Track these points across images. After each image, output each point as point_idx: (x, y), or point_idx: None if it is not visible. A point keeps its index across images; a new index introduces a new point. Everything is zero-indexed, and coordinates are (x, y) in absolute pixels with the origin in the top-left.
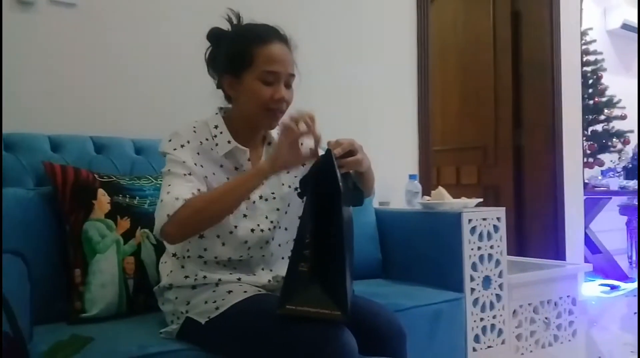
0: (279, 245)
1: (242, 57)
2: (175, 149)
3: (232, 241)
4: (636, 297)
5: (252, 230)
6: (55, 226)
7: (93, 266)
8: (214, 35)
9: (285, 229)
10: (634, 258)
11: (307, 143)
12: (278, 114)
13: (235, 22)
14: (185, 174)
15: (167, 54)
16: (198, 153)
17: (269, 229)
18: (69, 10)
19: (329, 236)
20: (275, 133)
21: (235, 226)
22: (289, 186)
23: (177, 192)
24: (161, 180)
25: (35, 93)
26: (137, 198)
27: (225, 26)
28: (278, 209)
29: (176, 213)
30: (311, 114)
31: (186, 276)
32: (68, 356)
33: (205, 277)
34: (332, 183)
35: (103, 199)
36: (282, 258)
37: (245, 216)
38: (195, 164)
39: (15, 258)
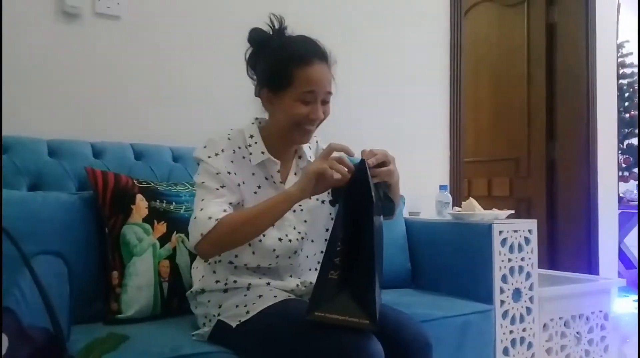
0: (307, 257)
1: (282, 77)
2: (209, 157)
3: (261, 249)
4: None
5: (280, 240)
6: (95, 229)
7: (130, 269)
8: (255, 40)
9: (312, 241)
10: None
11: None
12: (310, 131)
13: (277, 27)
14: (218, 189)
15: (206, 63)
16: (232, 161)
17: (297, 240)
18: (112, 21)
19: (359, 245)
20: (307, 147)
21: (264, 235)
22: (317, 199)
23: (210, 210)
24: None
25: (79, 102)
26: (174, 203)
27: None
28: (305, 221)
29: (209, 232)
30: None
31: (217, 281)
32: (104, 352)
33: (235, 281)
34: (365, 193)
35: (141, 204)
36: (310, 269)
37: (273, 226)
38: (229, 172)
39: (57, 260)
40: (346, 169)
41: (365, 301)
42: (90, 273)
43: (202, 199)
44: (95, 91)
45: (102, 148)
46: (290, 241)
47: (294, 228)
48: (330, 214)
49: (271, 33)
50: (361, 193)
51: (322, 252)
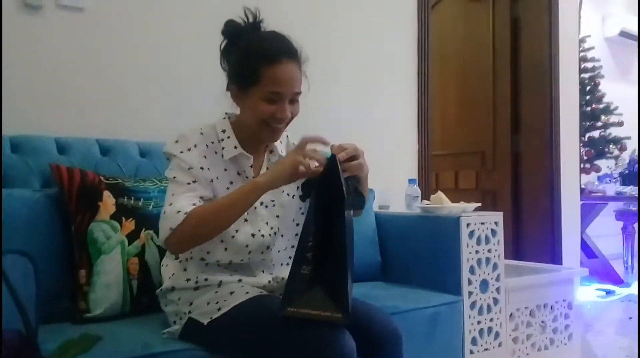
0: (278, 252)
1: (249, 74)
2: (182, 152)
3: (233, 245)
4: (631, 302)
5: (253, 235)
6: (61, 227)
7: (98, 267)
8: (229, 32)
9: (282, 236)
10: (630, 263)
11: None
12: (277, 130)
13: (252, 20)
14: (189, 183)
15: (174, 57)
16: (205, 156)
17: (269, 235)
18: (76, 13)
19: (330, 240)
20: (279, 144)
21: (237, 231)
22: (287, 194)
23: (179, 204)
24: (166, 183)
25: (42, 96)
26: (142, 200)
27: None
28: (278, 216)
29: (178, 226)
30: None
31: (188, 279)
32: (78, 354)
33: (206, 279)
34: (336, 187)
35: (108, 201)
36: (282, 264)
37: (246, 220)
38: (202, 168)
39: (22, 258)
40: (321, 159)
41: (337, 296)
42: (57, 271)
43: (173, 194)
44: (59, 85)
45: (66, 143)
46: (262, 236)
47: (267, 223)
48: (300, 209)
49: (244, 25)
50: (332, 187)
51: (292, 247)
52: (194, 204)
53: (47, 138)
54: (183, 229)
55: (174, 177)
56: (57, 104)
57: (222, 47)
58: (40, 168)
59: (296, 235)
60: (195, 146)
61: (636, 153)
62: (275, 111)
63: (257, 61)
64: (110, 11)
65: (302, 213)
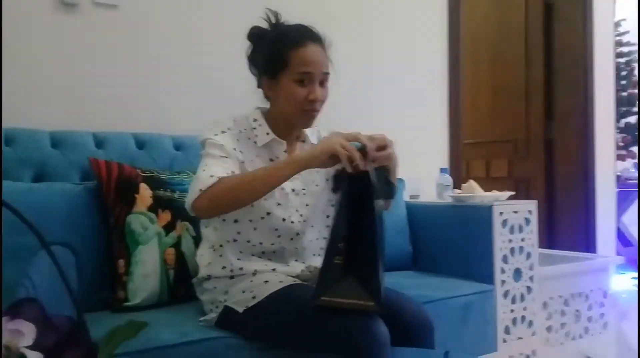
0: (310, 241)
1: (278, 60)
2: (216, 135)
3: (263, 227)
4: None
5: (284, 219)
6: (100, 219)
7: (136, 257)
8: (254, 35)
9: (312, 226)
10: None
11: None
12: (313, 114)
13: (273, 21)
14: (222, 156)
15: (207, 53)
16: (238, 140)
17: (299, 222)
18: (111, 11)
19: (362, 230)
20: (309, 131)
21: (268, 213)
22: (317, 185)
23: (212, 170)
24: None
25: (79, 92)
26: (178, 191)
27: (265, 26)
28: (307, 205)
29: (209, 188)
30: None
31: (223, 267)
32: (125, 339)
33: (241, 268)
34: (367, 179)
35: (145, 193)
36: (314, 254)
37: (279, 204)
38: (234, 149)
39: (65, 250)
40: (358, 159)
41: (370, 285)
42: (96, 262)
43: (206, 164)
44: (96, 81)
45: (104, 137)
46: (292, 222)
47: (297, 211)
48: (330, 201)
49: (268, 28)
50: (362, 178)
51: (324, 238)
52: (227, 174)
53: (85, 133)
54: (213, 191)
55: (207, 152)
56: (94, 99)
57: (248, 52)
58: (79, 162)
59: (326, 226)
60: (229, 129)
61: None
62: (308, 93)
63: (284, 47)
64: (145, 8)
65: (332, 205)
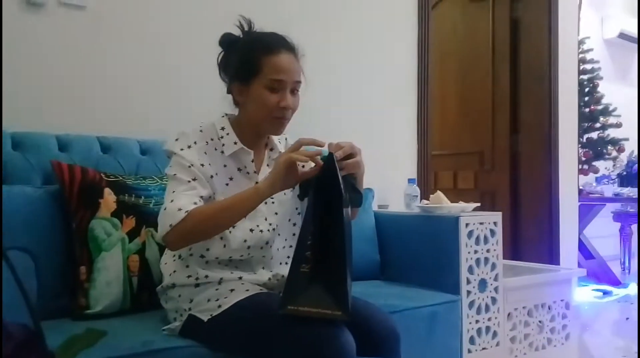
0: (277, 250)
1: (251, 65)
2: (182, 150)
3: (231, 240)
4: (628, 303)
5: (251, 230)
6: (62, 224)
7: (98, 264)
8: (226, 42)
9: (279, 234)
10: (627, 264)
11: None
12: (283, 121)
13: (246, 28)
14: (189, 181)
15: (175, 56)
16: (205, 153)
17: (268, 231)
18: (78, 12)
19: (329, 238)
20: (276, 139)
21: (234, 226)
22: (284, 193)
23: (180, 202)
24: (166, 181)
25: (43, 93)
26: (143, 197)
27: (237, 32)
28: (276, 214)
29: (178, 224)
30: (321, 147)
31: (189, 276)
32: (83, 348)
33: (207, 276)
34: (334, 186)
35: (109, 199)
36: (280, 263)
37: (244, 218)
38: (202, 164)
39: (24, 255)
40: (315, 156)
41: (337, 293)
42: (57, 268)
43: (173, 191)
44: (60, 82)
45: (67, 140)
46: (261, 231)
47: (265, 219)
48: (297, 209)
49: (241, 35)
50: (330, 186)
51: (290, 246)
52: (195, 204)
53: (48, 135)
54: (183, 227)
55: (175, 174)
56: (58, 101)
57: (219, 58)
58: (42, 165)
59: (293, 234)
60: (195, 143)
61: (634, 154)
62: (279, 100)
63: (257, 52)
64: (112, 9)
65: (299, 213)
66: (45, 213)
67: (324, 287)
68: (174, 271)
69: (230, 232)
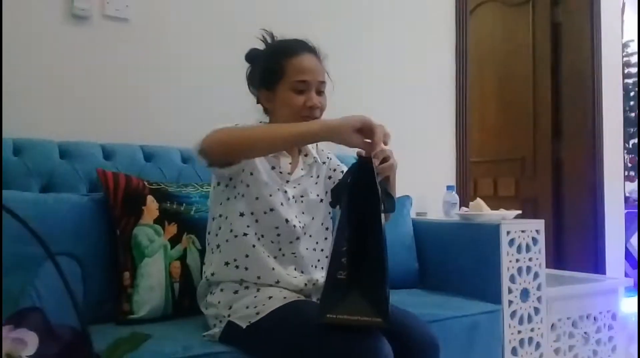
0: (307, 249)
1: (274, 70)
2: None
3: (265, 221)
4: None
5: (287, 220)
6: (107, 230)
7: (141, 270)
8: (250, 56)
9: (310, 236)
10: None
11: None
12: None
13: (269, 41)
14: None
15: (215, 65)
16: None
17: (299, 227)
18: (121, 24)
19: (365, 244)
20: (313, 146)
21: (272, 209)
22: (317, 195)
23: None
24: (207, 188)
25: (88, 103)
26: (184, 204)
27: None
28: (303, 213)
29: (219, 130)
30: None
31: (226, 263)
32: (128, 351)
33: (247, 268)
34: (371, 191)
35: (152, 206)
36: (312, 266)
37: (282, 204)
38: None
39: (70, 260)
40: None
41: (375, 299)
42: (102, 274)
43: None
44: (105, 93)
45: (112, 149)
46: (294, 226)
47: (296, 216)
48: (329, 213)
49: (265, 47)
50: (367, 190)
51: (322, 250)
52: None
53: (93, 144)
54: (224, 132)
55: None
56: (103, 111)
57: (247, 73)
58: (87, 173)
59: (325, 238)
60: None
61: None
62: (306, 100)
63: (279, 57)
64: (155, 22)
65: (331, 218)
66: (91, 220)
67: (361, 294)
68: (215, 261)
69: (265, 213)
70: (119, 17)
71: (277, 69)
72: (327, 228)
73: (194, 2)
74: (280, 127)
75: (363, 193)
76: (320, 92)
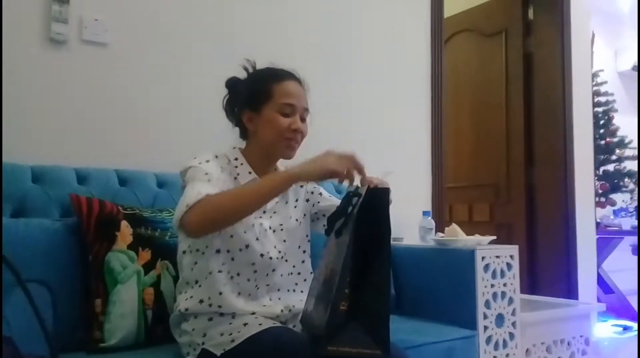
0: (281, 275)
1: (262, 92)
2: (200, 164)
3: (241, 259)
4: None
5: (262, 255)
6: (79, 256)
7: (114, 297)
8: (231, 82)
9: (286, 261)
10: None
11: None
12: (294, 144)
13: (251, 70)
14: (209, 180)
15: (193, 91)
16: (222, 168)
17: (277, 258)
18: (100, 49)
19: (368, 275)
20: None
21: (247, 246)
22: (296, 220)
23: (199, 189)
24: None
25: (63, 127)
26: (159, 230)
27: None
28: (285, 241)
29: (196, 203)
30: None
31: (201, 301)
32: None
33: (220, 306)
34: (383, 223)
35: (126, 231)
36: (288, 290)
37: (257, 239)
38: (219, 178)
39: (40, 287)
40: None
41: (377, 332)
42: (73, 301)
43: (192, 186)
44: (79, 117)
45: (86, 173)
46: (270, 258)
47: (275, 247)
48: (307, 236)
49: (247, 75)
50: (376, 223)
51: (299, 273)
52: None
53: (67, 169)
54: (201, 207)
55: (192, 177)
56: (78, 135)
57: (224, 101)
58: (60, 198)
59: (302, 261)
60: (216, 157)
61: None
62: (291, 123)
63: (268, 79)
64: (133, 47)
65: (309, 240)
66: (63, 245)
67: (362, 325)
68: (191, 297)
69: (240, 250)
70: (97, 42)
71: (264, 91)
72: (304, 251)
73: (173, 27)
74: (256, 190)
75: (371, 224)
76: (303, 119)
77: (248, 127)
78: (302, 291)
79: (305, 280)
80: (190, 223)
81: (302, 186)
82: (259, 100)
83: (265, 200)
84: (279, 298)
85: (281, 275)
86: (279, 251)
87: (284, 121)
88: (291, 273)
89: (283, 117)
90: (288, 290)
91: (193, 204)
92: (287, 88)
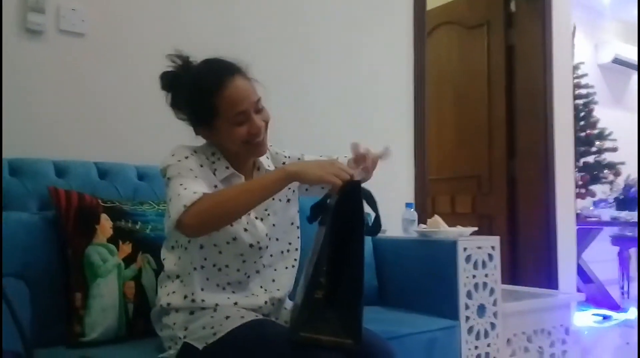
0: (271, 256)
1: (206, 109)
2: (179, 161)
3: (228, 251)
4: (628, 327)
5: (251, 245)
6: (58, 250)
7: (94, 290)
8: (167, 84)
9: (277, 239)
10: (626, 288)
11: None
12: (259, 143)
13: (181, 62)
14: (196, 177)
15: None
16: (201, 166)
17: (265, 246)
18: (77, 39)
19: (344, 265)
20: (264, 158)
21: (234, 239)
22: (280, 200)
23: (193, 187)
24: (164, 206)
25: (41, 119)
26: (139, 223)
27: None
28: (274, 225)
29: (194, 204)
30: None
31: (185, 296)
32: None
33: (203, 300)
34: (358, 215)
35: (106, 224)
36: (273, 280)
37: (245, 230)
38: (196, 177)
39: (18, 281)
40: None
41: (349, 321)
42: (52, 295)
43: (181, 184)
44: (58, 108)
45: (65, 166)
46: (260, 248)
47: (266, 235)
48: (297, 211)
49: (177, 70)
50: (352, 215)
51: (288, 251)
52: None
53: (45, 161)
54: (201, 207)
55: (179, 173)
56: (56, 127)
57: (169, 102)
58: (39, 191)
59: (297, 237)
60: (194, 152)
61: (631, 178)
62: (249, 129)
63: (205, 95)
64: (111, 37)
65: (298, 211)
66: (41, 239)
67: (336, 314)
68: (173, 292)
69: (228, 243)
70: (74, 32)
71: (207, 107)
72: (297, 227)
73: (151, 17)
74: (253, 189)
75: (348, 215)
76: (259, 111)
77: (207, 140)
78: (293, 266)
79: (295, 259)
80: (190, 223)
81: (284, 163)
82: (206, 118)
83: (264, 197)
84: (265, 290)
85: (271, 255)
86: (270, 239)
87: (241, 130)
88: (282, 252)
89: (239, 127)
90: (273, 280)
91: (190, 204)
92: (231, 96)
